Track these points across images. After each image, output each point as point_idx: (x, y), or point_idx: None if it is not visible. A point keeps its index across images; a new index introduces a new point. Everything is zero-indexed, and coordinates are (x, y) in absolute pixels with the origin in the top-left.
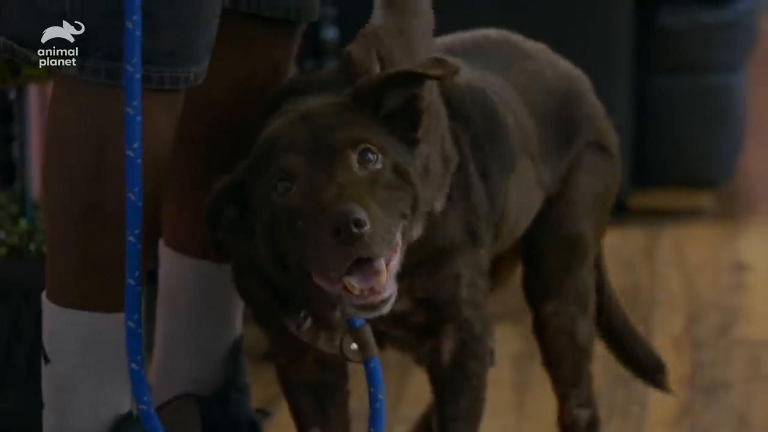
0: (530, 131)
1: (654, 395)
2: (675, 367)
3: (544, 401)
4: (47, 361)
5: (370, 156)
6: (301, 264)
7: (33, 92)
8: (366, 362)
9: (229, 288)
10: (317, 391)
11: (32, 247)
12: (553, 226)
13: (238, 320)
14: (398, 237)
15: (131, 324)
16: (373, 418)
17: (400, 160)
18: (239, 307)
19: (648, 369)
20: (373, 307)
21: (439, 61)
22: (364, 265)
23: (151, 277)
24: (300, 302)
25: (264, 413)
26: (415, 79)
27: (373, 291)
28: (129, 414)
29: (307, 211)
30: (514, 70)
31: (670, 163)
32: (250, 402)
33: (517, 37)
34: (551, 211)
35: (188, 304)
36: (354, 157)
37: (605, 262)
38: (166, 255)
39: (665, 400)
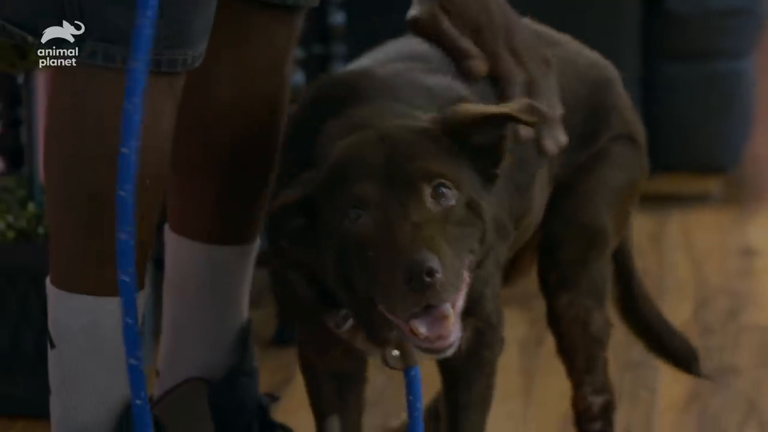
0: None
1: (663, 381)
2: None
3: (552, 386)
4: (53, 346)
5: (444, 191)
6: (368, 292)
7: (41, 76)
8: (407, 370)
9: (236, 272)
10: (339, 379)
11: (40, 231)
12: (572, 218)
13: (245, 304)
14: (465, 274)
15: (125, 278)
16: (411, 427)
17: (473, 196)
18: (246, 291)
19: (683, 358)
20: (439, 351)
21: (532, 108)
22: (431, 309)
23: (157, 263)
24: (350, 309)
25: (272, 397)
26: (510, 121)
27: (440, 337)
28: None
29: (378, 245)
30: None
31: (678, 148)
32: (259, 386)
33: (540, 26)
34: (571, 202)
35: (195, 289)
36: (428, 192)
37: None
38: (171, 240)
39: (674, 385)
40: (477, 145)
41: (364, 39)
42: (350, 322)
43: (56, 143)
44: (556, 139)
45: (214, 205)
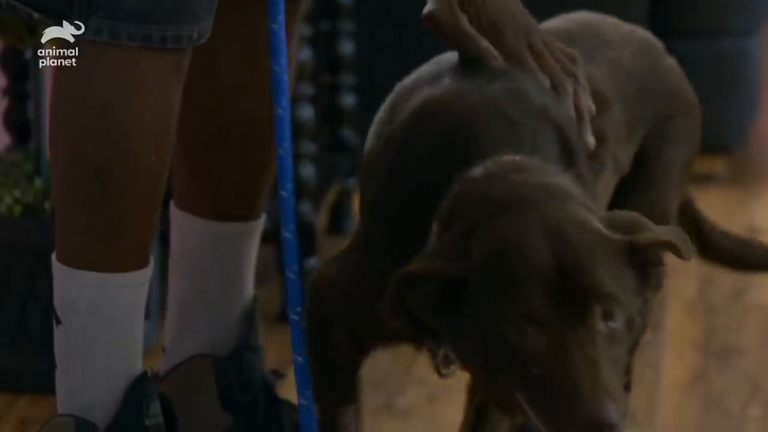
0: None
1: (667, 360)
2: (688, 331)
3: None
4: (59, 322)
5: (615, 313)
6: (517, 393)
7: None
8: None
9: (242, 249)
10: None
11: (47, 206)
12: (646, 212)
13: (251, 281)
14: None
15: (294, 316)
16: None
17: (635, 316)
18: (252, 268)
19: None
20: None
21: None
22: None
23: (162, 240)
24: (475, 380)
25: (277, 374)
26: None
27: None
28: (143, 375)
29: (548, 372)
30: (598, 60)
31: None
32: (264, 363)
33: (599, 21)
34: (637, 198)
35: (201, 265)
36: (599, 313)
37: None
38: (177, 217)
39: (678, 364)
40: (643, 260)
41: (371, 15)
42: (454, 368)
43: (62, 119)
44: (586, 136)
45: (219, 182)
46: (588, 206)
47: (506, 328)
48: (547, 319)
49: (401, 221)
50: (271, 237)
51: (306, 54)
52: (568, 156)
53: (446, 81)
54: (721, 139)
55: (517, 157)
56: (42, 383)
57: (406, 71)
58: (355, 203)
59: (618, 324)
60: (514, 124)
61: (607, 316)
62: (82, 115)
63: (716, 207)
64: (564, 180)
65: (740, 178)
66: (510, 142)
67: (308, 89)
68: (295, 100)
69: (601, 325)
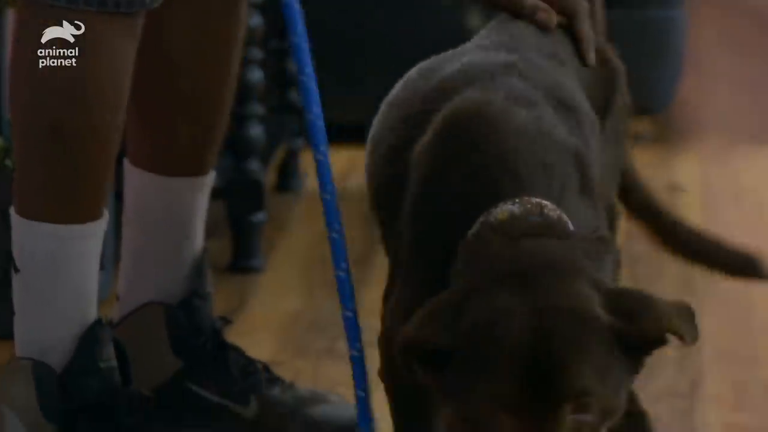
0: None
1: None
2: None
3: None
4: (17, 271)
5: (589, 407)
6: None
7: (10, 15)
8: None
9: (192, 202)
10: None
11: (8, 163)
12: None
13: (201, 233)
14: None
15: (349, 313)
16: None
17: (615, 405)
18: (202, 221)
19: (745, 266)
20: None
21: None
22: None
23: (117, 194)
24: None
25: (225, 321)
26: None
27: None
28: (97, 321)
29: None
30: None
31: None
32: (213, 310)
33: None
34: None
35: (153, 219)
36: (571, 407)
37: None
38: (130, 173)
39: None
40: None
41: None
42: None
43: (20, 80)
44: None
45: (171, 140)
46: (595, 281)
47: (480, 411)
48: (517, 409)
49: (438, 250)
50: (220, 193)
51: (256, 20)
52: (584, 181)
53: (464, 96)
54: (646, 102)
55: (544, 203)
56: (2, 329)
57: (352, 40)
58: (302, 162)
59: (591, 416)
60: (545, 164)
61: (580, 410)
62: (39, 75)
63: (641, 164)
64: (583, 246)
65: (663, 137)
66: (539, 181)
67: (258, 54)
68: (245, 64)
69: (570, 419)
